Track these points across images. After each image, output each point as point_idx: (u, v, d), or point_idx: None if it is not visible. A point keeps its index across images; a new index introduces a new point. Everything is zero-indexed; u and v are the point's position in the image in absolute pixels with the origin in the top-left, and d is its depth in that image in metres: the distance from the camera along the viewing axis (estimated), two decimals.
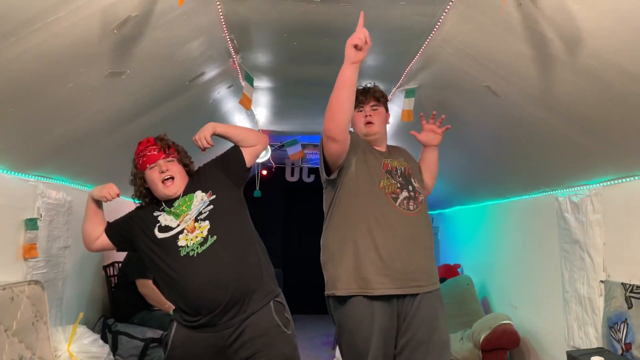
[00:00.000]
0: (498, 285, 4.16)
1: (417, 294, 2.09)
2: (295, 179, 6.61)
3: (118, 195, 2.15)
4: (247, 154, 2.17)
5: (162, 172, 2.09)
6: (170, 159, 2.14)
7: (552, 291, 3.11)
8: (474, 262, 4.65)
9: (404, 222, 2.14)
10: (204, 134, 2.09)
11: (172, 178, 2.10)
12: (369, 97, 2.34)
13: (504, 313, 3.64)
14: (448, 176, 4.50)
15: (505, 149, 3.12)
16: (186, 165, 2.20)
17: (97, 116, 2.41)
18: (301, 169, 6.50)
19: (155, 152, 2.12)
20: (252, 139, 2.20)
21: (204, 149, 2.11)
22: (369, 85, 2.38)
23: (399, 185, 2.20)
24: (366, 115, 2.32)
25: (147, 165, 2.11)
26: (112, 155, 3.06)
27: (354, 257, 2.09)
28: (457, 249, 5.18)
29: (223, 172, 2.16)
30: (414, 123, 3.44)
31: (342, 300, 2.10)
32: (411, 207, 2.19)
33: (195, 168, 2.25)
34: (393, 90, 3.22)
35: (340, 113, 1.96)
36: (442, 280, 4.66)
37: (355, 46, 1.84)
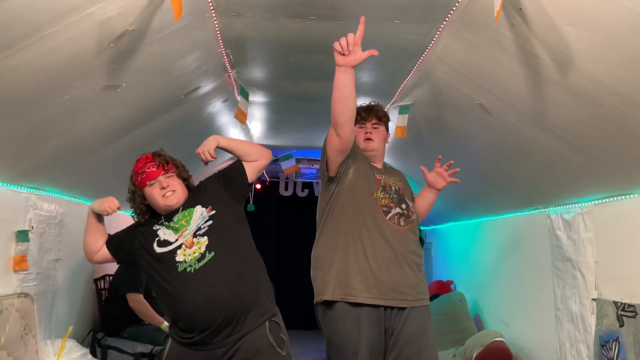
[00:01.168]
0: (491, 302, 4.15)
1: (405, 308, 2.10)
2: (289, 193, 6.60)
3: (119, 209, 2.13)
4: (249, 169, 2.15)
5: (163, 188, 2.08)
6: (169, 174, 2.13)
7: (544, 308, 3.10)
8: (466, 279, 4.65)
9: (394, 235, 2.16)
10: (207, 147, 2.08)
11: (174, 191, 2.09)
12: (371, 115, 2.40)
13: (496, 330, 3.63)
14: (442, 192, 4.49)
15: (498, 166, 3.13)
16: (185, 179, 2.19)
17: (91, 129, 2.41)
18: (295, 183, 6.50)
19: (154, 169, 2.10)
20: (255, 153, 2.19)
21: (206, 162, 2.10)
22: (372, 103, 2.43)
23: (392, 200, 2.24)
24: (367, 132, 2.37)
25: (147, 182, 2.10)
26: (106, 168, 3.05)
27: (343, 263, 2.12)
28: (450, 266, 5.17)
29: (224, 187, 2.13)
30: (407, 139, 3.47)
31: (329, 305, 2.12)
32: (402, 223, 2.22)
33: (196, 182, 2.25)
34: (387, 107, 3.24)
35: (346, 109, 2.01)
36: (435, 296, 4.65)
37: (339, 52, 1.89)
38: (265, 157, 2.21)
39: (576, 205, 2.78)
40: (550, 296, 3.00)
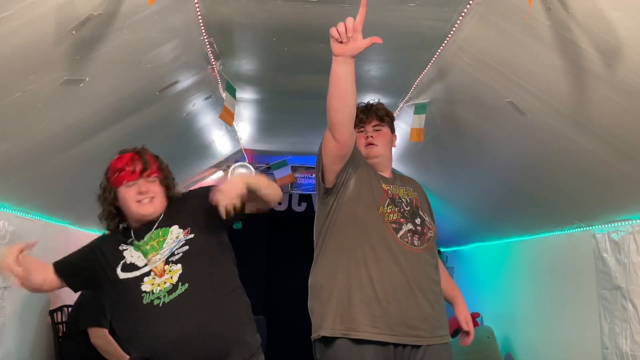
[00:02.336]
0: (524, 338, 4.13)
1: (419, 347, 2.07)
2: (283, 207, 6.58)
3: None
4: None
5: (140, 193, 2.04)
6: (152, 178, 2.08)
7: (588, 347, 3.09)
8: (495, 311, 4.63)
9: (406, 257, 2.13)
10: (234, 194, 1.88)
11: (152, 198, 2.05)
12: (371, 116, 2.36)
13: None
14: (464, 207, 4.52)
15: (532, 176, 3.14)
16: (168, 188, 2.15)
17: (48, 131, 2.41)
18: (290, 196, 6.48)
19: (137, 169, 2.05)
20: (277, 198, 2.16)
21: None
22: (371, 102, 2.42)
23: (402, 215, 2.21)
24: (367, 137, 2.35)
25: (124, 181, 2.05)
26: (66, 177, 3.05)
27: (345, 292, 2.09)
28: (476, 295, 5.15)
29: (210, 208, 1.99)
30: (424, 143, 3.47)
31: (328, 343, 2.10)
32: (416, 243, 2.19)
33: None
34: (400, 105, 3.26)
35: (344, 107, 2.01)
36: (457, 332, 4.63)
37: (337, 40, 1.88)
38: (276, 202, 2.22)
39: (626, 223, 2.77)
40: (596, 332, 2.99)
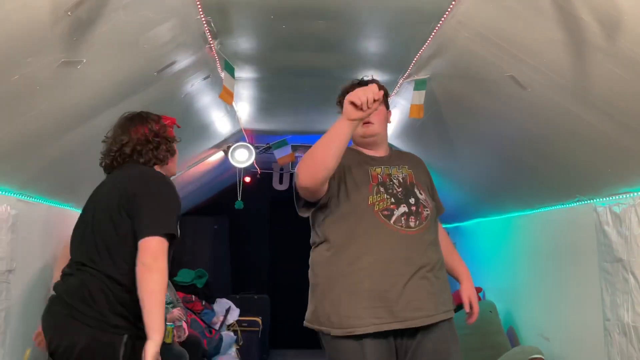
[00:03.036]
0: (527, 312, 4.17)
1: (422, 327, 2.09)
2: (284, 187, 6.59)
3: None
4: None
5: None
6: None
7: (591, 319, 3.11)
8: (497, 286, 4.66)
9: (401, 242, 2.14)
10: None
11: None
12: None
13: (533, 345, 3.65)
14: (466, 183, 4.52)
15: (533, 151, 3.14)
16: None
17: (48, 114, 2.41)
18: (291, 175, 6.49)
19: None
20: None
21: None
22: (366, 78, 2.40)
23: (393, 199, 2.21)
24: None
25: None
26: (67, 161, 3.05)
27: (340, 291, 2.12)
28: (478, 270, 5.18)
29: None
30: (424, 120, 3.46)
31: (329, 339, 2.14)
32: (412, 224, 2.19)
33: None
34: (400, 82, 3.24)
35: (323, 170, 2.04)
36: (460, 307, 4.67)
37: (355, 105, 1.91)
38: None
39: (627, 195, 2.78)
40: (598, 304, 3.01)
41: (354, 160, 2.28)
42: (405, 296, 2.08)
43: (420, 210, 2.23)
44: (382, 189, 2.22)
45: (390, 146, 2.49)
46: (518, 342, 4.14)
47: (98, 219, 2.17)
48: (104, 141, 2.38)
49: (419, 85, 3.11)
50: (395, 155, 2.43)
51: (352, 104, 1.91)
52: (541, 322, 3.87)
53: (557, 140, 2.80)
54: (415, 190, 2.28)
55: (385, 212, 2.17)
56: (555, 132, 2.73)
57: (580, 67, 2.09)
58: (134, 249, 2.03)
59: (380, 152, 2.37)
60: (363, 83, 2.35)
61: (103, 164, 2.38)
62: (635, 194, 2.72)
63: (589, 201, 3.15)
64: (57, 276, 2.29)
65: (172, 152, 2.39)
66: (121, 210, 2.11)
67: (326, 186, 2.15)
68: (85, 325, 2.02)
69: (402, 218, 2.18)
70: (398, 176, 2.29)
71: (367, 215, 2.16)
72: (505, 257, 4.54)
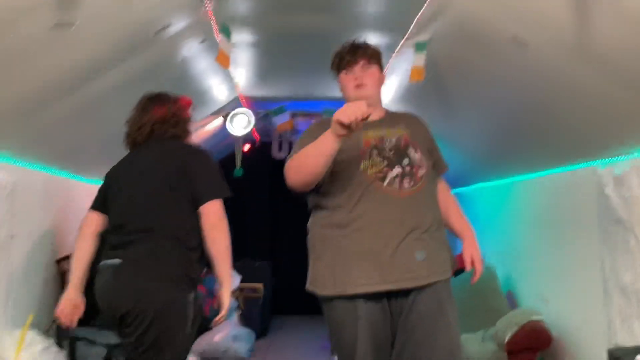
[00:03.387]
0: (526, 275, 4.19)
1: (415, 288, 2.10)
2: (283, 154, 6.58)
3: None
4: None
5: None
6: None
7: (590, 281, 3.13)
8: (497, 250, 4.68)
9: (395, 205, 2.15)
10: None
11: None
12: (359, 56, 2.33)
13: (532, 308, 3.68)
14: (466, 148, 4.50)
15: (534, 113, 3.11)
16: None
17: (43, 78, 2.39)
18: (290, 143, 6.47)
19: None
20: None
21: None
22: (357, 42, 2.37)
23: (386, 162, 2.21)
24: (356, 77, 2.32)
25: None
26: (65, 126, 3.03)
27: (333, 253, 2.15)
28: (478, 235, 5.17)
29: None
30: (424, 83, 3.43)
31: (326, 301, 2.18)
32: (406, 186, 2.20)
33: None
34: (401, 43, 3.20)
35: (312, 177, 2.11)
36: (459, 271, 4.69)
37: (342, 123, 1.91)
38: None
39: (629, 157, 2.77)
40: (598, 266, 3.02)
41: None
42: (397, 258, 2.09)
43: (414, 170, 2.22)
44: (374, 153, 2.22)
45: (386, 109, 2.47)
46: (517, 305, 4.17)
47: (154, 188, 2.34)
48: (128, 122, 2.55)
49: (419, 47, 3.07)
50: (390, 117, 2.40)
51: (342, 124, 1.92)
52: (540, 285, 3.90)
53: (557, 101, 2.77)
54: (410, 150, 2.26)
55: (379, 175, 2.18)
56: (556, 93, 2.70)
57: (581, 24, 2.06)
58: (192, 214, 2.27)
59: (375, 115, 2.35)
60: (355, 46, 2.33)
61: (128, 141, 2.55)
62: (637, 154, 2.71)
63: (590, 164, 3.14)
64: (84, 247, 2.44)
65: (188, 132, 2.59)
66: (179, 180, 2.31)
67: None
68: (159, 287, 2.20)
69: (396, 180, 2.18)
70: (391, 138, 2.28)
71: (361, 180, 2.18)
72: (505, 222, 4.55)
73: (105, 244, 2.40)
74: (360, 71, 2.32)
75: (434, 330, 2.08)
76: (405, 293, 2.11)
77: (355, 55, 2.32)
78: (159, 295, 2.19)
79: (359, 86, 2.29)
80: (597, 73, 2.30)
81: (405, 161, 2.22)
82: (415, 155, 2.25)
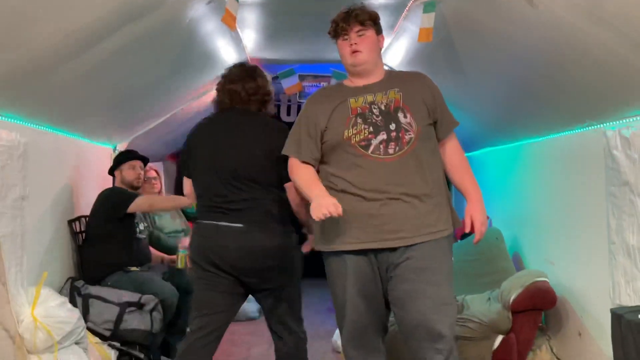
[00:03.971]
0: (532, 238, 4.22)
1: (401, 247, 2.22)
2: (292, 118, 6.58)
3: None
4: None
5: None
6: None
7: (596, 243, 3.15)
8: (504, 214, 4.71)
9: (380, 170, 2.24)
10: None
11: None
12: (352, 23, 2.36)
13: (538, 269, 3.72)
14: (475, 112, 4.48)
15: (543, 75, 3.09)
16: None
17: (51, 40, 2.39)
18: (299, 106, 6.45)
19: None
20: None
21: None
22: (351, 7, 2.39)
23: (372, 128, 2.28)
24: (352, 44, 2.35)
25: None
26: (73, 89, 3.05)
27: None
28: (486, 199, 5.17)
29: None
30: (433, 46, 3.40)
31: (323, 255, 2.40)
32: (390, 151, 2.25)
33: None
34: (409, 5, 3.17)
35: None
36: (466, 235, 4.73)
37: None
38: None
39: (637, 118, 2.75)
40: (604, 228, 3.04)
41: (335, 101, 2.37)
42: (380, 219, 2.22)
43: (401, 135, 2.26)
44: (359, 120, 2.30)
45: (388, 70, 2.48)
46: (523, 267, 4.21)
47: (255, 162, 2.64)
48: (226, 81, 2.82)
49: (428, 7, 3.05)
50: (387, 80, 2.42)
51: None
52: (547, 248, 3.93)
53: (567, 62, 2.74)
54: (399, 114, 2.30)
55: (363, 143, 2.27)
56: (566, 54, 2.67)
57: None
58: (281, 182, 2.63)
59: (372, 79, 2.39)
60: (349, 12, 2.37)
61: (222, 102, 2.82)
62: None
63: (598, 126, 3.13)
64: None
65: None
66: (272, 157, 2.59)
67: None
68: (276, 237, 2.62)
69: (381, 146, 2.26)
70: (381, 103, 2.33)
71: (347, 148, 2.29)
72: (512, 185, 4.56)
73: (206, 206, 2.69)
74: (356, 37, 2.35)
75: (420, 284, 2.20)
76: (392, 250, 2.23)
77: (348, 21, 2.36)
78: (272, 243, 2.59)
79: (354, 52, 2.34)
80: (608, 33, 2.27)
81: (392, 126, 2.28)
82: (404, 119, 2.28)
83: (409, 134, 2.27)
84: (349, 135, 2.28)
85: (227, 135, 2.69)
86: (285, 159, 2.47)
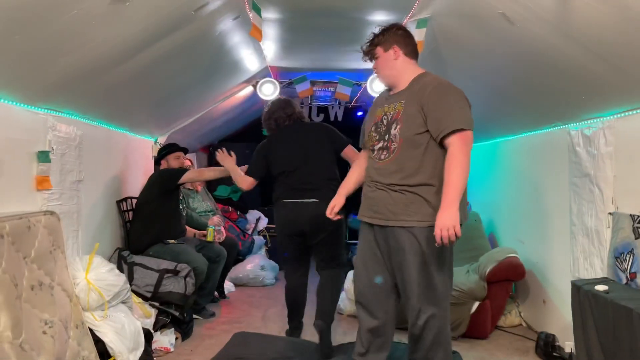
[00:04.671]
0: (506, 221, 4.20)
1: (385, 226, 2.30)
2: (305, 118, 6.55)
3: None
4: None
5: None
6: None
7: (559, 225, 3.14)
8: (482, 200, 4.68)
9: (375, 169, 2.36)
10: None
11: None
12: (365, 58, 2.46)
13: (510, 247, 3.70)
14: None
15: (518, 83, 3.05)
16: None
17: (102, 47, 2.38)
18: (310, 108, 6.42)
19: None
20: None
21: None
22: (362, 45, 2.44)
23: (377, 136, 2.37)
24: (374, 69, 2.47)
25: None
26: (120, 90, 3.05)
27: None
28: (467, 188, 5.18)
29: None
30: (425, 57, 3.36)
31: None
32: (382, 157, 2.33)
33: None
34: (405, 21, 3.12)
35: None
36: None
37: None
38: None
39: (597, 120, 2.72)
40: (566, 213, 3.02)
41: (376, 108, 2.46)
42: (370, 200, 2.37)
43: (389, 145, 2.31)
44: (374, 128, 2.39)
45: (417, 77, 2.33)
46: (497, 245, 4.20)
47: (318, 155, 3.21)
48: (275, 110, 3.39)
49: (420, 23, 3.00)
50: (408, 89, 2.30)
51: None
52: (517, 229, 3.91)
53: (539, 72, 2.71)
54: (393, 125, 2.29)
55: (372, 147, 2.39)
56: (538, 65, 2.64)
57: (563, 3, 2.00)
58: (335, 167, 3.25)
59: (398, 88, 2.37)
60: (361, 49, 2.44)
61: (283, 123, 3.35)
62: (604, 118, 2.67)
63: (564, 126, 3.10)
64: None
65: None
66: (330, 149, 3.26)
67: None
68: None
69: (379, 152, 2.36)
70: (390, 114, 2.34)
71: (367, 150, 2.47)
72: (490, 176, 4.53)
73: (287, 188, 3.19)
74: (374, 63, 2.44)
75: (398, 264, 2.28)
76: (382, 227, 2.31)
77: (363, 58, 2.47)
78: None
79: (377, 75, 2.47)
80: (574, 47, 2.24)
81: (387, 136, 2.33)
82: (394, 131, 2.29)
83: (394, 144, 2.28)
84: (369, 138, 2.43)
85: (297, 139, 3.25)
86: (334, 145, 3.25)
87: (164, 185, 3.65)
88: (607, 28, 1.98)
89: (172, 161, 3.89)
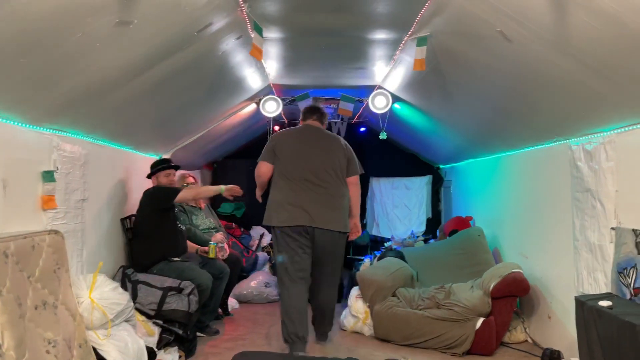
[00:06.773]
0: (509, 236, 4.18)
1: (315, 228, 3.38)
2: None
3: None
4: None
5: None
6: None
7: (562, 240, 3.12)
8: (486, 214, 4.67)
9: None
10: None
11: None
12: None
13: (514, 262, 3.68)
14: (460, 129, 4.46)
15: (518, 98, 3.07)
16: None
17: (107, 68, 2.41)
18: None
19: None
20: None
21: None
22: None
23: None
24: None
25: None
26: (125, 109, 3.08)
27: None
28: (470, 202, 5.18)
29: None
30: (426, 74, 3.39)
31: None
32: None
33: None
34: (405, 39, 3.16)
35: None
36: (453, 232, 4.70)
37: None
38: None
39: (598, 135, 2.73)
40: (569, 228, 3.01)
41: None
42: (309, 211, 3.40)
43: None
44: None
45: None
46: (501, 260, 4.18)
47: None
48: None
49: (420, 41, 3.03)
50: None
51: None
52: (521, 244, 3.89)
53: (539, 87, 2.73)
54: None
55: None
56: (538, 81, 2.66)
57: (560, 20, 2.02)
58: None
59: None
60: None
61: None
62: (605, 133, 2.67)
63: (565, 141, 3.10)
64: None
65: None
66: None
67: None
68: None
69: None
70: None
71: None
72: (493, 191, 4.53)
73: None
74: None
75: (323, 259, 3.41)
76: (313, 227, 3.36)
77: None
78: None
79: None
80: (572, 64, 2.26)
81: None
82: None
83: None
84: None
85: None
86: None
87: (159, 203, 3.65)
88: (604, 45, 2.00)
89: (162, 178, 3.85)
